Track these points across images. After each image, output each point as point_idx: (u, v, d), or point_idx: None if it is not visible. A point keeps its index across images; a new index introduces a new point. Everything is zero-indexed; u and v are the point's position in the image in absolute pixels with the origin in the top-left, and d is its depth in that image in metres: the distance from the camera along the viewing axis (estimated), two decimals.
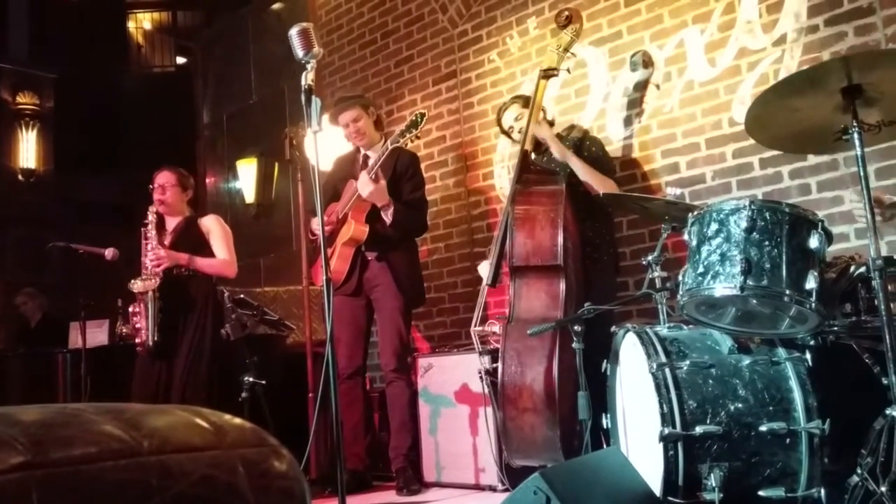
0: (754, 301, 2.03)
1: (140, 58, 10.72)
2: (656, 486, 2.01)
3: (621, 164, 3.61)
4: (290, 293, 4.60)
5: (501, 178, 4.09)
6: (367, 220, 3.28)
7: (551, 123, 3.36)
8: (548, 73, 3.19)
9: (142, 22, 10.72)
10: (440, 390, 3.34)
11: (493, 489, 3.10)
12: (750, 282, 1.92)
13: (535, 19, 3.96)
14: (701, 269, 2.02)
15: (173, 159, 3.60)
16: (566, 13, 3.22)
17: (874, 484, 1.76)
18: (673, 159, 3.44)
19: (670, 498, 1.98)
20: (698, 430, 1.98)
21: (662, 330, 2.21)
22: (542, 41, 3.88)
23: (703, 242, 2.04)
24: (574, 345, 2.43)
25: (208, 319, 3.41)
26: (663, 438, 1.97)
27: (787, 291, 1.91)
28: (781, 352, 2.10)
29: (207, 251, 3.51)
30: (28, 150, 8.40)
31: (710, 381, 2.05)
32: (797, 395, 2.02)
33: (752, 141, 2.67)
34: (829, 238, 2.01)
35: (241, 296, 3.42)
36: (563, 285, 2.80)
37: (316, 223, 3.42)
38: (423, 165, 3.73)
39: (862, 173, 1.83)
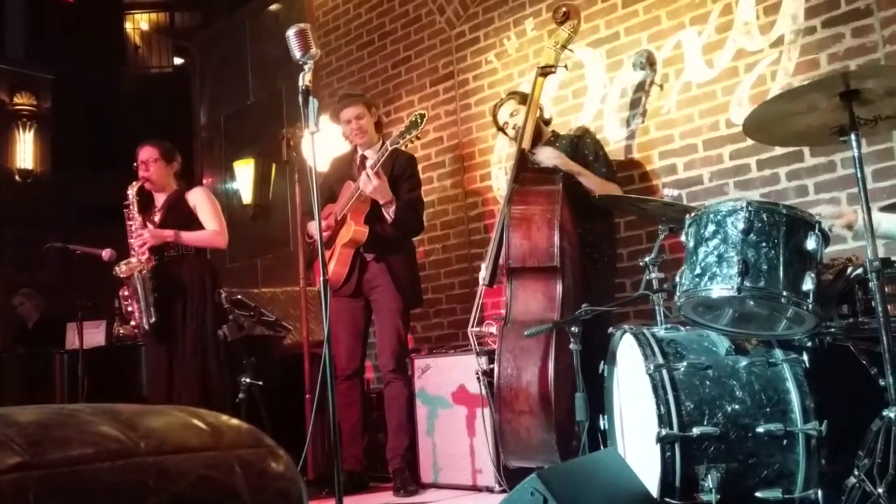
0: (751, 302, 2.03)
1: (137, 59, 10.71)
2: (653, 487, 2.01)
3: (619, 166, 3.61)
4: (288, 294, 4.60)
5: (499, 178, 4.10)
6: (366, 221, 3.27)
7: (547, 122, 3.34)
8: (545, 71, 3.17)
9: (139, 23, 10.71)
10: (437, 391, 3.34)
11: (490, 490, 3.10)
12: (747, 283, 1.92)
13: (533, 20, 3.97)
14: (698, 271, 2.02)
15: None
16: (563, 9, 3.20)
17: (871, 485, 1.76)
18: (670, 160, 3.44)
19: (667, 499, 1.98)
20: (695, 431, 1.98)
21: (659, 331, 2.21)
22: (540, 42, 3.88)
23: (701, 244, 2.04)
24: (571, 346, 2.43)
25: (207, 308, 3.32)
26: (660, 440, 1.97)
27: (785, 293, 1.91)
28: (778, 353, 2.10)
29: (197, 226, 3.42)
30: (25, 151, 8.39)
31: (708, 383, 2.05)
32: (794, 397, 2.02)
33: (749, 142, 2.68)
34: (826, 239, 2.02)
35: (239, 296, 3.41)
36: (559, 287, 2.79)
37: (312, 226, 3.42)
38: (420, 166, 3.74)
39: (859, 174, 1.84)
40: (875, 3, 2.91)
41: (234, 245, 3.67)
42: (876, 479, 1.76)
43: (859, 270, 2.00)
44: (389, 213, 3.23)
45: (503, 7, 4.11)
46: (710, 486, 1.94)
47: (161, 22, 10.78)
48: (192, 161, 6.68)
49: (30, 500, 0.50)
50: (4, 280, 7.29)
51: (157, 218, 3.42)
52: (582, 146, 3.19)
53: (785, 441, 1.99)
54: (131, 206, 3.38)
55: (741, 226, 1.96)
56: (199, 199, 3.46)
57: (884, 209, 2.19)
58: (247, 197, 5.87)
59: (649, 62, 3.51)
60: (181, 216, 3.42)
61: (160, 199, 3.49)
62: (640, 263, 2.50)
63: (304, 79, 2.24)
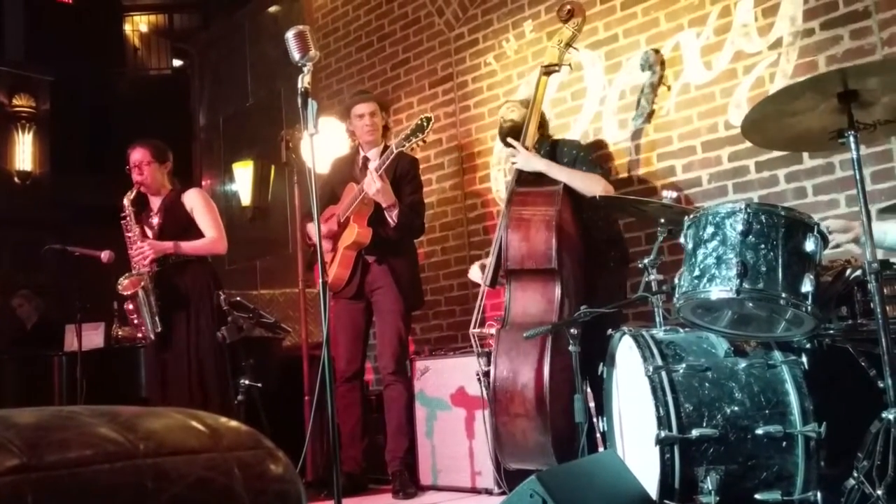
0: (750, 304, 2.03)
1: (136, 60, 10.71)
2: (653, 489, 2.01)
3: (617, 168, 3.62)
4: (287, 296, 4.60)
5: (498, 181, 4.10)
6: (369, 223, 3.26)
7: (541, 126, 3.26)
8: (549, 70, 3.13)
9: (138, 24, 10.71)
10: (436, 393, 3.33)
11: (489, 492, 3.10)
12: (746, 285, 1.92)
13: (532, 22, 3.97)
14: (697, 272, 2.02)
15: None
16: (568, 7, 3.14)
17: (870, 487, 1.76)
18: (669, 162, 3.44)
19: (666, 501, 1.98)
20: (694, 433, 1.98)
21: (659, 333, 2.21)
22: (539, 44, 3.88)
23: (699, 245, 2.05)
24: (570, 347, 2.43)
25: (209, 312, 3.28)
26: (660, 441, 1.97)
27: (784, 294, 1.91)
28: (777, 355, 2.10)
29: (195, 229, 3.37)
30: (24, 153, 8.38)
31: (707, 385, 2.05)
32: (793, 399, 2.02)
33: (748, 144, 2.68)
34: (824, 241, 2.02)
35: (238, 298, 3.41)
36: (558, 289, 2.77)
37: (312, 228, 3.40)
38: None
39: (858, 176, 1.84)
40: (874, 5, 2.92)
41: (233, 247, 3.65)
42: (875, 481, 1.76)
43: (858, 272, 2.00)
44: (392, 217, 3.22)
45: (502, 9, 4.11)
46: (710, 487, 1.94)
47: (160, 24, 10.79)
48: (191, 163, 6.68)
49: (28, 502, 0.50)
50: (3, 282, 7.29)
51: (154, 221, 3.38)
52: (559, 154, 3.11)
53: (784, 443, 1.99)
54: (129, 217, 3.32)
55: (740, 227, 1.97)
56: (195, 203, 3.40)
57: (883, 211, 2.20)
58: (246, 199, 5.87)
59: (658, 61, 3.47)
60: (179, 220, 3.37)
61: (155, 201, 3.44)
62: (639, 265, 2.49)
63: (303, 81, 2.24)
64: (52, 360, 4.24)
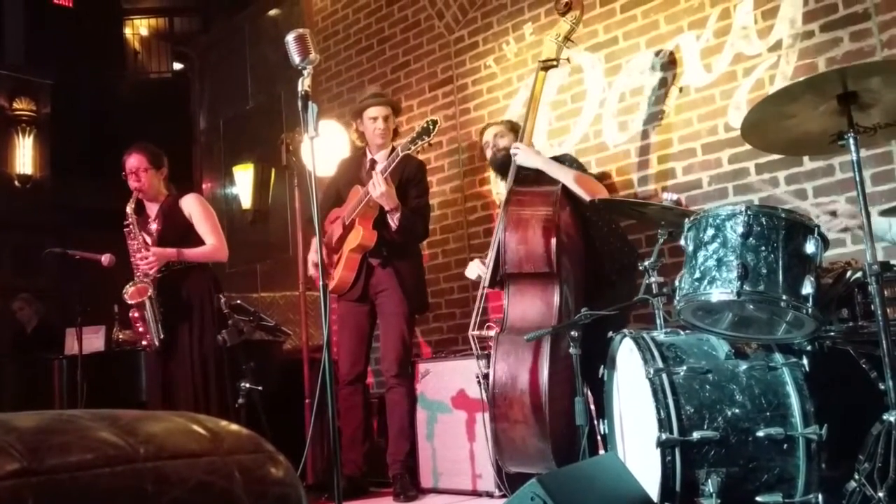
0: (751, 306, 2.03)
1: (137, 64, 10.73)
2: (654, 492, 2.01)
3: (617, 170, 3.62)
4: (287, 299, 4.61)
5: (497, 183, 4.09)
6: (374, 226, 3.25)
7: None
8: (547, 64, 3.08)
9: (138, 28, 10.73)
10: (437, 396, 3.33)
11: (490, 495, 3.09)
12: (746, 287, 1.92)
13: (532, 25, 3.98)
14: (697, 275, 2.02)
15: (169, 165, 3.53)
16: (565, 0, 3.09)
17: (872, 489, 1.76)
18: (669, 164, 3.45)
19: None
20: (695, 435, 1.97)
21: (659, 335, 2.21)
22: (539, 47, 3.88)
23: (700, 248, 2.04)
24: (571, 350, 2.42)
25: (210, 316, 3.28)
26: (660, 444, 1.97)
27: (784, 297, 1.91)
28: (778, 357, 2.10)
29: (194, 235, 3.36)
30: (24, 156, 8.39)
31: (707, 387, 2.05)
32: (794, 401, 2.02)
33: (748, 146, 2.68)
34: (825, 243, 2.02)
35: (238, 301, 3.41)
36: (557, 293, 2.73)
37: (313, 257, 3.38)
38: None
39: (858, 178, 1.84)
40: (873, 7, 2.92)
41: (234, 250, 3.65)
42: (876, 483, 1.76)
43: (858, 274, 1.99)
44: (394, 220, 3.21)
45: (502, 12, 4.12)
46: (711, 490, 1.94)
47: (160, 27, 10.81)
48: (191, 166, 6.69)
49: None
50: (3, 285, 7.29)
51: (152, 228, 3.36)
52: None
53: (785, 445, 1.99)
54: (132, 225, 3.31)
55: (740, 230, 1.96)
56: (194, 209, 3.39)
57: (884, 213, 2.20)
58: (246, 202, 5.88)
59: (671, 61, 3.43)
60: (178, 226, 3.36)
61: (152, 207, 3.42)
62: (640, 267, 2.49)
63: (304, 84, 2.24)
64: (53, 363, 4.24)
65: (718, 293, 1.96)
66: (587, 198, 2.86)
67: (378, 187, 3.09)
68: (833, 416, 1.99)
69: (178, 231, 3.35)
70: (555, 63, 3.11)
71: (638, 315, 3.30)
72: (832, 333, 2.05)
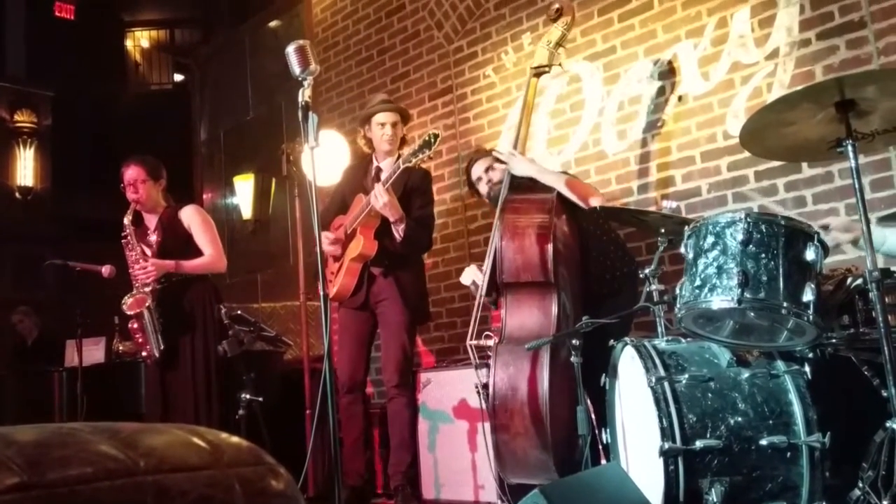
0: (752, 314, 2.03)
1: (138, 76, 10.77)
2: (657, 501, 2.00)
3: (617, 178, 3.62)
4: (288, 309, 4.60)
5: None
6: (376, 236, 3.23)
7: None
8: (539, 71, 3.06)
9: (139, 40, 10.78)
10: (438, 406, 3.32)
11: None
12: (747, 294, 1.92)
13: (530, 35, 3.99)
14: (698, 282, 2.02)
15: (170, 175, 3.54)
16: (556, 6, 3.07)
17: (876, 497, 1.75)
18: (668, 172, 3.45)
19: None
20: (698, 444, 1.96)
21: (661, 343, 2.20)
22: None
23: (700, 255, 2.04)
24: (572, 359, 2.41)
25: (210, 328, 3.28)
26: (663, 453, 1.96)
27: (785, 304, 1.91)
28: (780, 365, 2.10)
29: (193, 246, 3.37)
30: (25, 168, 8.41)
31: (710, 395, 2.04)
32: (797, 409, 2.01)
33: (746, 154, 2.69)
34: (825, 250, 2.02)
35: (238, 312, 3.40)
36: (555, 301, 2.69)
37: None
38: None
39: (857, 185, 1.84)
40: (869, 15, 2.93)
41: (234, 260, 3.65)
42: (881, 491, 1.75)
43: (859, 281, 1.99)
44: (399, 231, 3.17)
45: (500, 22, 4.14)
46: (715, 499, 1.93)
47: (161, 39, 10.86)
48: (192, 176, 6.70)
49: None
50: (3, 297, 7.28)
51: (152, 239, 3.37)
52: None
53: (789, 453, 1.98)
54: (130, 237, 3.32)
55: (740, 237, 1.97)
56: (193, 221, 3.40)
57: (882, 220, 2.20)
58: (247, 212, 5.89)
59: (669, 70, 3.45)
60: (177, 237, 3.36)
61: (151, 219, 3.43)
62: (640, 275, 2.49)
63: (304, 94, 2.25)
64: (53, 375, 4.23)
65: (719, 301, 1.96)
66: (582, 204, 2.84)
67: (380, 198, 3.07)
68: (836, 423, 1.99)
69: (177, 242, 3.36)
70: (547, 69, 3.09)
71: (639, 323, 3.29)
72: (834, 340, 2.05)
